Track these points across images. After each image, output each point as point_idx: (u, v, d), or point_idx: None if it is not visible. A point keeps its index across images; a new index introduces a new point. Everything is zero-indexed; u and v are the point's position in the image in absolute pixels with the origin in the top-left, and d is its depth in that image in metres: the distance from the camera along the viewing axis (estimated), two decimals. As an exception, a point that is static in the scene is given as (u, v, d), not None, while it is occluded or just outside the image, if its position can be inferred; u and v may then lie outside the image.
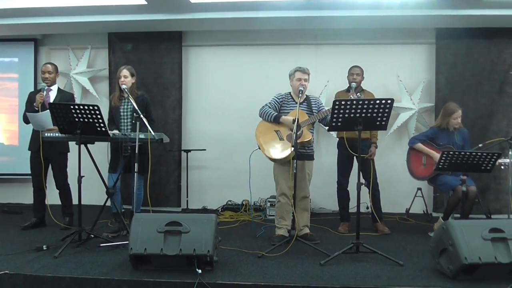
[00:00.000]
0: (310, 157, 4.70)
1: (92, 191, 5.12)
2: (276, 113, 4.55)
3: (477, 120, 6.00)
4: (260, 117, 4.64)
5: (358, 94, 4.62)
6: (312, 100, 4.74)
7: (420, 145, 4.96)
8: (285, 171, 4.49)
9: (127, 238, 3.72)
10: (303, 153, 4.56)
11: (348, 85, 5.06)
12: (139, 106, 4.61)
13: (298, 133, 4.34)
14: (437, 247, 3.59)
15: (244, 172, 5.60)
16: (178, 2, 5.30)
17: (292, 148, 4.23)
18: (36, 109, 4.81)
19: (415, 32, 6.23)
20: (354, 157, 5.06)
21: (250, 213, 6.07)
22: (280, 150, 4.44)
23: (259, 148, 4.57)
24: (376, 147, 5.19)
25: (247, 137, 6.03)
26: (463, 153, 4.22)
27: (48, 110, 4.70)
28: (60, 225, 5.00)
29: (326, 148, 6.29)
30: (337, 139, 5.34)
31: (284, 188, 4.54)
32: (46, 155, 4.91)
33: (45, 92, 4.93)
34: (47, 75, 5.03)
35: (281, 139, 4.50)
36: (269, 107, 4.63)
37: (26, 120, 5.02)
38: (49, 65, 5.11)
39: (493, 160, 4.20)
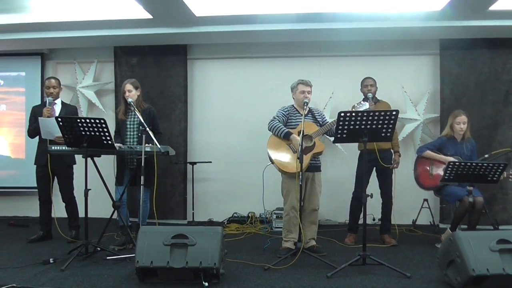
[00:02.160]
0: (318, 169, 4.73)
1: (98, 204, 5.13)
2: (286, 130, 4.52)
3: (482, 131, 5.98)
4: (270, 130, 4.63)
5: (362, 102, 4.63)
6: (315, 112, 4.77)
7: (429, 152, 4.94)
8: (296, 184, 4.47)
9: (133, 251, 3.72)
10: (313, 164, 4.59)
11: (364, 96, 5.07)
12: (146, 119, 4.64)
13: (310, 145, 4.46)
14: (445, 258, 3.58)
15: (250, 184, 5.62)
16: (183, 15, 5.35)
17: (306, 160, 4.25)
18: None
19: (419, 43, 6.25)
20: (374, 169, 5.07)
21: (258, 225, 6.06)
22: (295, 163, 4.39)
23: (271, 162, 4.57)
24: (399, 155, 5.17)
25: (252, 149, 6.07)
26: (469, 164, 4.21)
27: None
28: (66, 238, 5.00)
29: (331, 160, 6.28)
30: (344, 151, 5.33)
31: (295, 202, 4.51)
32: (53, 168, 4.93)
33: (54, 106, 4.98)
34: (52, 90, 5.07)
35: (294, 151, 4.49)
36: (278, 120, 4.63)
37: (31, 134, 5.06)
38: (53, 80, 5.15)
39: (499, 170, 4.19)
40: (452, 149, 4.92)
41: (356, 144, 5.14)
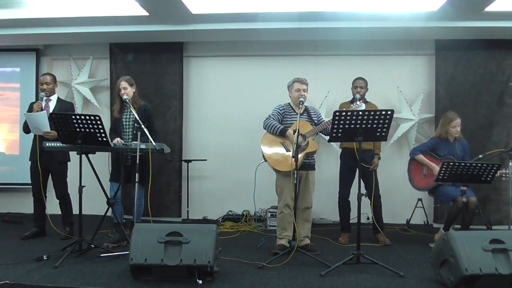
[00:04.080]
0: (312, 167, 4.73)
1: (92, 201, 5.12)
2: (281, 127, 4.55)
3: (477, 131, 6.01)
4: (265, 129, 4.64)
5: (358, 102, 4.65)
6: (311, 111, 4.78)
7: (420, 157, 4.97)
8: (290, 182, 4.48)
9: (127, 248, 3.72)
10: (306, 163, 4.60)
11: (352, 96, 5.09)
12: (142, 116, 4.63)
13: (304, 144, 4.46)
14: (438, 258, 3.59)
15: (245, 182, 5.61)
16: (180, 13, 5.34)
17: (299, 159, 4.26)
18: None
19: (414, 43, 6.27)
20: (357, 168, 5.08)
21: (253, 223, 6.07)
22: (288, 162, 4.40)
23: (265, 160, 4.58)
24: (379, 158, 5.19)
25: (247, 148, 6.07)
26: (463, 164, 4.23)
27: (45, 111, 4.75)
28: (60, 234, 4.99)
29: (327, 158, 6.29)
30: (339, 150, 5.35)
31: (288, 200, 4.53)
32: (46, 165, 4.93)
33: (44, 102, 4.95)
34: (45, 86, 5.05)
35: (288, 150, 4.49)
36: (273, 119, 4.64)
37: (26, 130, 5.04)
38: (47, 76, 5.13)
39: (493, 171, 4.22)
40: (444, 149, 4.94)
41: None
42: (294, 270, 3.91)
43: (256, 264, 4.06)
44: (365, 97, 5.21)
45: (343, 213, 5.24)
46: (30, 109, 5.00)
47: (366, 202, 4.59)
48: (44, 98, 4.99)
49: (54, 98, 5.13)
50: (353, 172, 5.10)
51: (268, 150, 4.57)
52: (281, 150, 4.54)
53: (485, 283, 3.32)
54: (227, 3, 5.26)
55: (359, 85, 5.15)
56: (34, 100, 5.63)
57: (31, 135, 5.03)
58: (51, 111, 4.94)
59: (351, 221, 5.24)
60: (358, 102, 4.62)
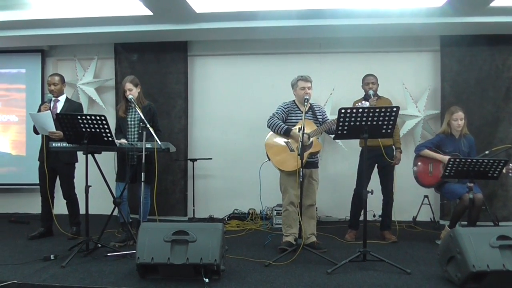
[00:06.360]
0: (316, 165, 4.73)
1: (99, 201, 5.13)
2: (286, 127, 4.54)
3: (483, 127, 5.98)
4: (269, 128, 4.64)
5: (374, 98, 4.64)
6: (316, 108, 4.77)
7: (427, 151, 4.94)
8: (293, 180, 4.47)
9: (134, 248, 3.73)
10: (310, 161, 4.59)
11: (365, 93, 5.07)
12: (146, 115, 4.64)
13: (308, 144, 4.44)
14: (445, 255, 3.58)
15: (250, 181, 5.60)
16: (184, 12, 5.34)
17: (303, 158, 4.25)
18: None
19: (419, 39, 6.25)
20: (375, 166, 5.07)
21: (259, 222, 6.08)
22: (292, 161, 4.41)
23: (269, 159, 4.58)
24: (401, 152, 5.16)
25: (253, 146, 6.07)
26: (469, 160, 4.21)
27: (48, 111, 4.76)
28: (67, 234, 5.01)
29: (332, 156, 6.28)
30: (345, 148, 5.33)
31: (293, 197, 4.54)
32: (53, 165, 4.96)
33: (52, 103, 4.97)
34: (52, 87, 5.06)
35: (291, 150, 4.50)
36: (277, 117, 4.63)
37: (36, 130, 5.06)
38: (55, 77, 5.14)
39: (500, 167, 4.19)
40: (450, 146, 4.91)
41: (357, 141, 5.14)
42: (300, 268, 3.91)
43: (262, 262, 4.07)
44: (377, 92, 5.18)
45: (355, 210, 5.18)
46: (39, 111, 5.02)
47: (373, 199, 4.54)
48: (52, 98, 5.01)
49: (62, 99, 5.14)
50: (371, 170, 5.08)
51: (272, 149, 4.57)
52: (285, 149, 4.53)
53: (492, 280, 3.31)
54: (231, 2, 5.26)
55: (371, 81, 5.12)
56: (39, 100, 5.66)
57: (39, 136, 5.05)
58: (58, 111, 4.96)
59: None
60: (363, 102, 4.59)
